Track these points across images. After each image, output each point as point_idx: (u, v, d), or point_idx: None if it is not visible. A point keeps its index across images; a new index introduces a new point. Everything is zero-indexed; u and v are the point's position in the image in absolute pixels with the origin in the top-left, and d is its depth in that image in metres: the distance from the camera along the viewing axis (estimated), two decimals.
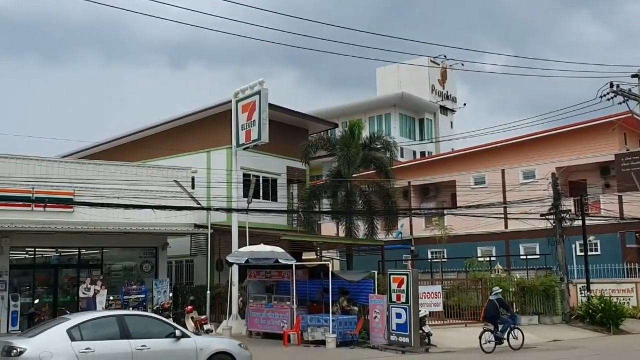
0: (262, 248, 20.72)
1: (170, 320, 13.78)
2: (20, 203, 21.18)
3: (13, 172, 20.81)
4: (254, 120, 23.76)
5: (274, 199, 29.07)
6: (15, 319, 21.77)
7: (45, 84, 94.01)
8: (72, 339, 11.12)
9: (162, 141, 29.76)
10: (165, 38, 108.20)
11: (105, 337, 11.50)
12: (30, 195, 21.19)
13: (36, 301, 21.64)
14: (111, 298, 23.06)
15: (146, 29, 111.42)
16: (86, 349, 11.07)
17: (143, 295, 23.81)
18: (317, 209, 30.10)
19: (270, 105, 24.40)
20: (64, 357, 10.86)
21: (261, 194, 28.25)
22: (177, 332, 12.14)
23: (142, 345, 11.56)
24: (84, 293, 22.74)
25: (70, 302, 24.11)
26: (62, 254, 24.70)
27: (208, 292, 23.63)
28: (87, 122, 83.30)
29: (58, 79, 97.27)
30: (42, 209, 21.58)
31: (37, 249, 23.87)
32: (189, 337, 12.43)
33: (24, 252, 23.74)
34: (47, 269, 24.42)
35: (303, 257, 27.46)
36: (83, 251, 24.79)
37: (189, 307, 21.48)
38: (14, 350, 10.75)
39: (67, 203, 21.81)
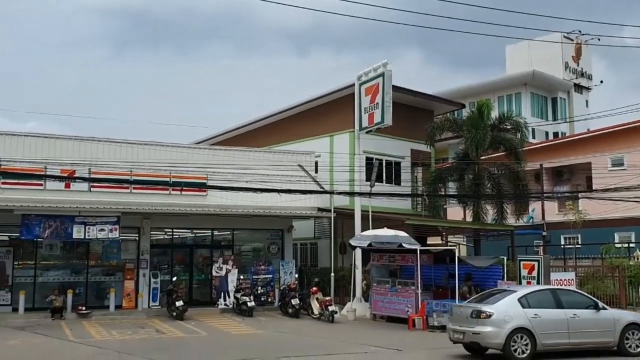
0: (385, 232, 20.66)
1: (590, 296, 15.35)
2: (159, 187, 22.56)
3: (152, 158, 22.17)
4: (378, 103, 23.63)
5: (398, 183, 28.85)
6: (155, 295, 23.33)
7: (178, 75, 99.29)
8: (522, 306, 13.45)
9: (287, 127, 30.46)
10: (291, 26, 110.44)
11: (545, 305, 13.68)
12: (168, 179, 22.49)
13: (174, 279, 23.00)
14: (241, 277, 24.06)
15: (273, 17, 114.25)
16: (534, 315, 13.34)
17: (271, 275, 24.63)
18: (443, 193, 29.51)
19: (394, 87, 24.14)
20: (520, 320, 13.21)
21: (384, 178, 28.12)
22: (599, 304, 14.16)
23: (573, 314, 13.63)
24: (216, 272, 23.90)
25: (205, 280, 25.47)
26: (196, 234, 26.12)
27: (332, 274, 23.98)
28: (218, 110, 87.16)
29: (190, 70, 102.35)
30: (178, 192, 22.87)
31: (174, 230, 25.37)
32: (606, 309, 14.33)
33: (163, 233, 25.31)
34: (184, 249, 25.93)
35: (428, 242, 27.10)
36: (215, 232, 26.02)
37: (314, 289, 21.91)
38: (483, 314, 13.26)
39: (201, 187, 22.91)
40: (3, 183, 20.61)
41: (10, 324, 19.33)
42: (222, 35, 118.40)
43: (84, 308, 21.71)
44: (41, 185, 21.18)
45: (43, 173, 20.60)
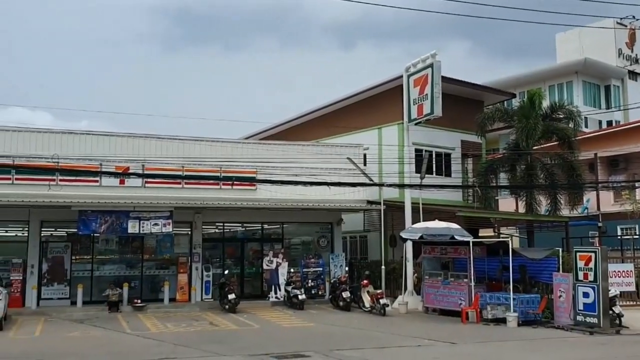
0: (437, 224, 20.43)
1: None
2: (210, 182, 22.86)
3: (203, 153, 22.48)
4: (426, 94, 23.37)
5: (448, 174, 28.50)
6: (208, 288, 23.69)
7: (226, 71, 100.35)
8: None
9: (335, 120, 30.42)
10: (337, 19, 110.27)
11: None
12: (219, 174, 22.77)
13: (226, 272, 23.30)
14: (292, 270, 24.19)
15: (318, 11, 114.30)
16: None
17: (321, 269, 24.69)
18: (494, 184, 29.02)
19: (443, 78, 23.82)
20: None
21: (434, 169, 27.83)
22: None
23: None
24: (267, 265, 24.09)
25: (256, 273, 25.71)
26: (247, 228, 26.37)
27: (382, 267, 23.87)
28: (266, 105, 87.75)
29: (237, 65, 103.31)
30: (229, 187, 23.12)
31: (225, 224, 25.67)
32: None
33: (214, 227, 25.65)
34: (234, 243, 26.22)
35: (480, 234, 26.70)
36: (265, 226, 26.21)
37: (365, 282, 21.84)
38: None
39: (251, 181, 23.11)
40: (61, 180, 21.20)
41: (70, 317, 19.91)
42: (268, 30, 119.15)
43: (139, 301, 22.20)
44: (97, 181, 21.73)
45: (99, 170, 21.12)
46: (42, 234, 22.77)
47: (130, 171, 21.49)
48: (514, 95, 34.41)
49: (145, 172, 21.63)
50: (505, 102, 33.60)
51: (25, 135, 21.71)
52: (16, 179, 20.87)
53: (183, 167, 22.18)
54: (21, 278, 21.79)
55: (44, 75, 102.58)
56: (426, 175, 24.40)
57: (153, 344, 14.70)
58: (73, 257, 23.14)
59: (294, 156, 22.87)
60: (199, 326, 17.96)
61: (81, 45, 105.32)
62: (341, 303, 21.95)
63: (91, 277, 23.21)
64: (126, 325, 18.02)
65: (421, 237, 20.46)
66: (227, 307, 21.20)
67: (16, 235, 23.07)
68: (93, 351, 13.81)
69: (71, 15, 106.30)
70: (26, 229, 22.58)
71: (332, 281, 23.84)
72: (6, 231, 23.08)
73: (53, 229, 23.30)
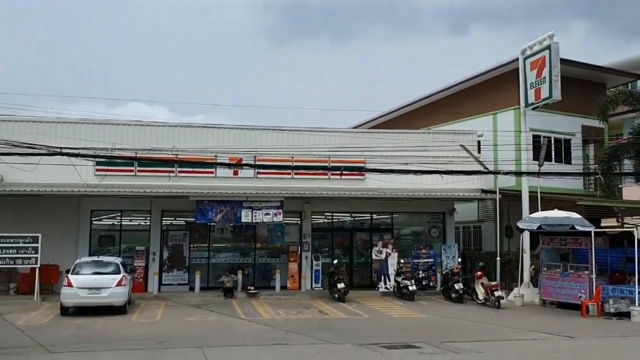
0: (556, 214, 19.41)
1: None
2: (319, 172, 23.02)
3: (312, 143, 22.66)
4: (544, 77, 22.19)
5: (568, 161, 27.01)
6: (317, 277, 23.95)
7: (336, 61, 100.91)
8: None
9: (446, 106, 29.66)
10: (449, 3, 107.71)
11: None
12: (327, 164, 22.88)
13: (335, 261, 23.43)
14: (402, 261, 23.91)
15: None
16: None
17: (432, 260, 24.23)
18: (618, 171, 27.16)
19: (561, 60, 22.51)
20: None
21: (553, 156, 26.43)
22: None
23: None
24: (376, 255, 23.95)
25: (365, 263, 25.65)
26: (355, 218, 26.35)
27: (498, 258, 23.05)
28: (376, 93, 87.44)
29: (346, 55, 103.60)
30: (338, 177, 23.17)
31: (334, 214, 25.80)
32: None
33: (323, 217, 25.84)
34: (343, 232, 26.29)
35: (602, 224, 25.12)
36: (374, 216, 26.08)
37: (479, 273, 21.16)
38: None
39: (360, 171, 23.02)
40: (180, 172, 22.21)
41: (188, 302, 20.79)
42: (376, 19, 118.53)
43: (252, 288, 22.82)
44: (212, 173, 22.52)
45: (214, 161, 21.87)
46: (162, 223, 23.97)
47: (243, 162, 22.08)
48: (639, 77, 32.01)
49: (257, 163, 22.15)
50: (630, 84, 31.31)
51: (146, 129, 22.89)
52: (139, 171, 22.07)
53: (293, 157, 22.46)
54: (144, 265, 23.06)
55: (160, 71, 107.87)
56: (545, 163, 23.20)
57: (266, 330, 15.01)
58: (191, 245, 24.19)
59: (404, 144, 22.51)
60: (309, 314, 18.16)
61: (195, 41, 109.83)
62: (453, 295, 21.41)
63: (208, 264, 24.16)
64: (240, 311, 18.55)
65: (539, 227, 19.51)
66: (336, 296, 21.30)
67: (139, 224, 24.42)
68: (210, 335, 14.29)
69: (183, 13, 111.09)
70: (148, 218, 23.84)
71: (443, 272, 23.33)
72: (130, 220, 24.47)
73: (173, 218, 24.46)
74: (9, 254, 20.44)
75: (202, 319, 17.16)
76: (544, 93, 22.21)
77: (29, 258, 20.53)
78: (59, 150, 17.11)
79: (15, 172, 19.83)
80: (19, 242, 20.55)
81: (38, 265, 20.57)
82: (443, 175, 20.76)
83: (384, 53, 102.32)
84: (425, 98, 31.45)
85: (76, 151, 17.63)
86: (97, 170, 21.56)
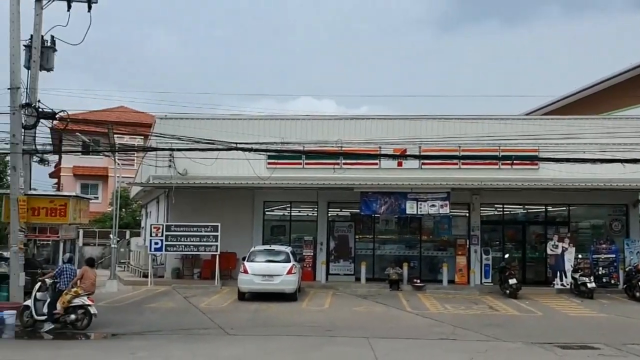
0: None
1: None
2: (488, 162, 22.24)
3: (480, 132, 21.89)
4: None
5: None
6: (487, 271, 23.17)
7: (504, 45, 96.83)
8: None
9: (629, 89, 27.19)
10: None
11: None
12: (497, 153, 22.01)
13: (506, 256, 22.46)
14: (579, 257, 22.33)
15: None
16: None
17: (613, 255, 22.42)
18: None
19: None
20: None
21: None
22: None
23: None
24: (551, 250, 22.62)
25: (539, 258, 24.37)
26: (528, 210, 25.08)
27: None
28: (549, 78, 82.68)
29: (515, 39, 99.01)
30: (508, 166, 22.21)
31: (504, 206, 24.76)
32: None
33: (493, 209, 24.91)
34: (515, 225, 25.13)
35: None
36: (549, 208, 24.65)
37: None
38: None
39: (532, 160, 21.91)
40: (344, 163, 22.60)
41: (354, 292, 21.12)
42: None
43: (418, 281, 22.63)
44: (376, 164, 22.64)
45: (378, 153, 21.96)
46: (329, 214, 24.58)
47: (407, 153, 21.93)
48: None
49: (422, 153, 21.87)
50: None
51: (313, 122, 23.60)
52: (306, 163, 22.84)
53: (459, 147, 21.93)
54: (312, 254, 23.83)
55: (328, 64, 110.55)
56: None
57: (433, 324, 14.81)
58: (356, 236, 24.56)
59: (581, 131, 20.96)
60: (478, 309, 17.63)
61: (360, 33, 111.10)
62: (637, 294, 19.65)
63: (373, 256, 24.38)
64: (406, 304, 18.48)
65: None
66: (507, 292, 20.45)
67: (307, 215, 25.24)
68: (376, 325, 14.41)
69: (349, 5, 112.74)
70: (315, 209, 24.57)
71: (626, 269, 21.48)
72: (299, 211, 25.37)
73: (338, 209, 24.98)
74: (193, 241, 22.19)
75: (369, 309, 17.34)
76: None
77: (210, 245, 22.13)
78: (234, 145, 18.15)
79: (197, 166, 21.44)
80: (201, 231, 22.24)
81: (218, 253, 22.12)
82: (625, 164, 19.06)
83: (556, 35, 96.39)
84: (603, 81, 29.08)
85: (250, 146, 18.60)
86: (269, 163, 22.61)
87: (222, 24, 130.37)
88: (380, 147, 21.98)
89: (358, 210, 23.03)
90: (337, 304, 18.27)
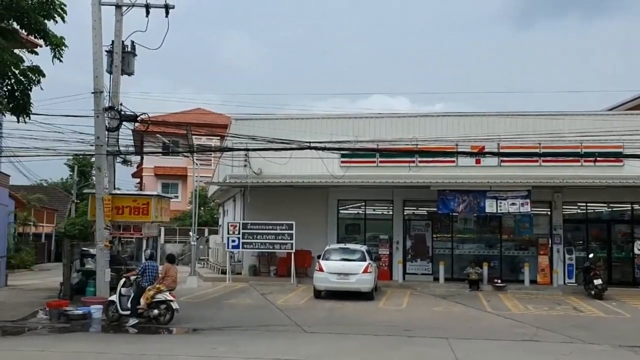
0: None
1: None
2: (569, 159, 21.44)
3: (560, 128, 21.11)
4: None
5: None
6: (570, 271, 22.32)
7: (587, 40, 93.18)
8: None
9: None
10: None
11: None
12: (579, 150, 21.18)
13: (590, 255, 21.54)
14: None
15: None
16: None
17: None
18: None
19: None
20: None
21: None
22: None
23: None
24: (639, 250, 21.54)
25: (625, 258, 23.35)
26: (613, 209, 24.03)
27: None
28: (633, 71, 78.95)
29: (599, 32, 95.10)
30: (591, 163, 21.30)
31: (588, 204, 23.80)
32: None
33: (576, 207, 24.00)
34: (599, 224, 24.11)
35: None
36: (636, 206, 23.50)
37: None
38: None
39: (617, 156, 21.04)
40: (420, 161, 22.29)
41: (433, 292, 20.79)
42: None
43: (499, 281, 22.06)
44: (453, 162, 22.23)
45: (454, 150, 21.54)
46: (404, 213, 24.33)
47: (486, 150, 21.40)
48: None
49: (501, 150, 21.30)
50: None
51: (387, 120, 23.42)
52: (380, 162, 22.68)
53: (540, 144, 21.25)
54: (388, 253, 23.66)
55: (401, 61, 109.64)
56: None
57: (514, 325, 14.39)
58: (433, 235, 24.20)
59: None
60: (561, 310, 16.99)
61: (432, 31, 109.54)
62: None
63: (451, 255, 23.96)
64: (487, 304, 18.04)
65: None
66: (592, 292, 19.61)
67: (382, 213, 25.07)
68: (456, 326, 14.12)
69: (424, 2, 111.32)
70: (390, 207, 24.37)
71: None
72: (374, 210, 25.24)
73: (414, 208, 24.70)
74: (269, 239, 22.47)
75: (447, 309, 17.03)
76: None
77: (286, 243, 22.36)
78: (307, 144, 18.25)
79: (271, 165, 21.70)
80: (276, 229, 22.50)
81: (293, 251, 22.30)
82: None
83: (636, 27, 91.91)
84: None
85: (323, 145, 18.63)
86: (342, 162, 22.58)
87: (292, 25, 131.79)
88: (457, 145, 21.56)
89: (435, 209, 22.69)
90: (415, 303, 18.04)
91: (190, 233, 25.65)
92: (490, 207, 21.60)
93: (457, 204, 21.94)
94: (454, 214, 23.28)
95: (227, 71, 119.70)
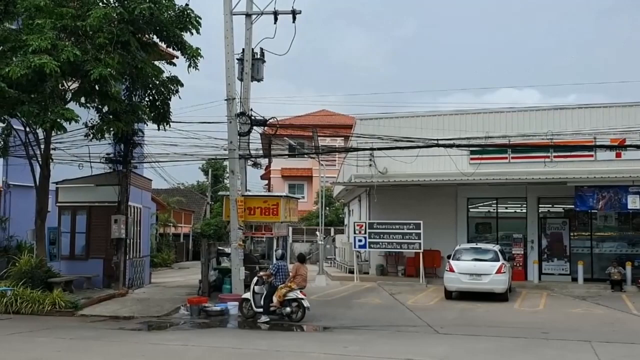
0: None
1: None
2: None
3: None
4: None
5: None
6: None
7: None
8: None
9: None
10: None
11: None
12: None
13: None
14: None
15: None
16: None
17: None
18: None
19: None
20: None
21: None
22: None
23: None
24: None
25: None
26: None
27: None
28: None
29: None
30: None
31: None
32: None
33: None
34: None
35: None
36: None
37: None
38: None
39: None
40: (555, 156, 21.20)
41: (571, 293, 19.71)
42: None
43: None
44: (591, 156, 20.94)
45: (593, 144, 20.31)
46: (539, 210, 23.28)
47: (627, 143, 19.96)
48: None
49: None
50: None
51: (517, 115, 22.53)
52: (512, 157, 21.82)
53: None
54: (522, 252, 22.74)
55: (526, 53, 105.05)
56: None
57: None
58: (571, 234, 22.97)
59: None
60: None
61: (575, 18, 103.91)
62: None
63: (591, 254, 22.65)
64: (632, 306, 16.86)
65: None
66: None
67: (515, 211, 24.14)
68: (598, 329, 13.28)
69: None
70: (524, 205, 23.41)
71: None
72: (506, 208, 24.35)
73: (550, 205, 23.60)
74: (396, 239, 22.33)
75: (588, 311, 16.08)
76: None
77: (413, 243, 22.11)
78: (435, 142, 17.91)
79: (397, 164, 21.53)
80: (403, 228, 22.31)
81: (421, 250, 22.00)
82: None
83: None
84: None
85: (451, 142, 18.20)
86: (472, 159, 21.94)
87: (408, 19, 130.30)
88: (595, 138, 20.30)
89: (572, 206, 21.52)
90: (553, 305, 17.19)
91: (317, 233, 26.06)
92: (633, 203, 20.21)
93: (597, 201, 20.67)
94: (593, 210, 21.92)
95: (344, 70, 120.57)
